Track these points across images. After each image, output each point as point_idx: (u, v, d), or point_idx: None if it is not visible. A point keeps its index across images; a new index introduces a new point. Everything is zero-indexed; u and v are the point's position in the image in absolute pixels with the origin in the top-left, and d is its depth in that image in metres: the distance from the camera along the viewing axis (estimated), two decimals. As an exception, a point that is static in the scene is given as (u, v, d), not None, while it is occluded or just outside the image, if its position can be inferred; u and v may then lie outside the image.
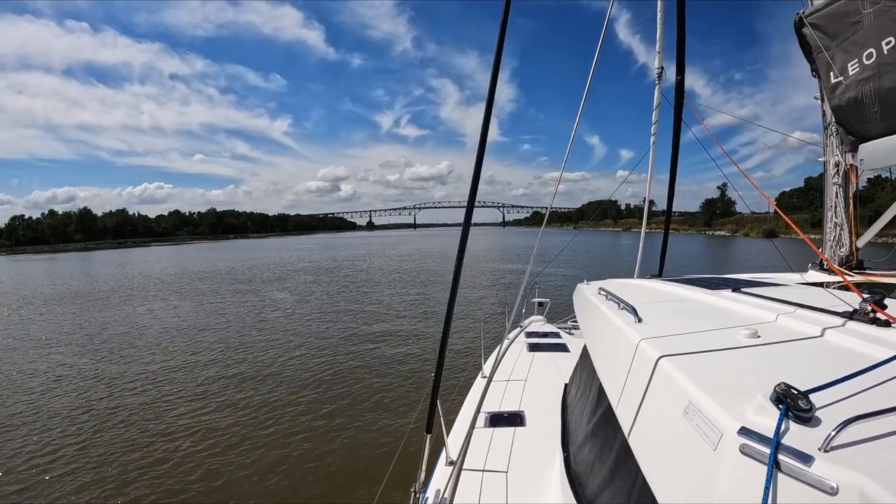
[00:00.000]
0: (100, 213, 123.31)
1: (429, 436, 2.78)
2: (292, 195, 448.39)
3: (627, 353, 1.44)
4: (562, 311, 7.24)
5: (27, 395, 7.93)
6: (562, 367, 3.95)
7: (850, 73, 2.68)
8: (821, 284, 2.49)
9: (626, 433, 1.29)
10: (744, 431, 0.85)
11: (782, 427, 0.81)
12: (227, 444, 5.86)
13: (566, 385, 3.27)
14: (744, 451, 0.83)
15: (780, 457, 0.77)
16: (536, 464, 2.58)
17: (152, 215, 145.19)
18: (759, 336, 1.34)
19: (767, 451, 0.78)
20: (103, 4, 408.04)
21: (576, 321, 6.09)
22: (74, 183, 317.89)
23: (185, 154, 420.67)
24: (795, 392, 0.87)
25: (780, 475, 0.76)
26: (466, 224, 2.74)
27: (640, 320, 1.67)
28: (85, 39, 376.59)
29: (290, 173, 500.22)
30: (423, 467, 2.63)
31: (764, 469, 0.77)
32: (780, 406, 0.86)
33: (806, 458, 0.75)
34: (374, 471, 4.85)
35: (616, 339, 1.67)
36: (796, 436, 0.81)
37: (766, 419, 0.85)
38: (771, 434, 0.80)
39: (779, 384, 0.89)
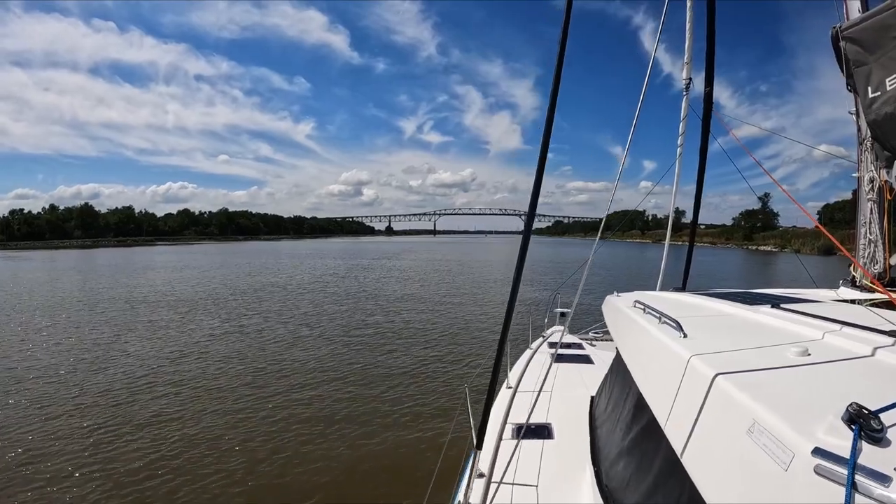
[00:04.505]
0: (103, 211, 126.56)
1: (478, 452, 2.66)
2: (315, 198, 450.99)
3: (676, 370, 1.49)
4: (582, 322, 7.35)
5: None
6: (586, 378, 4.09)
7: (888, 89, 2.77)
8: (853, 301, 2.59)
9: (678, 452, 1.35)
10: (818, 452, 0.88)
11: (856, 447, 0.85)
12: (255, 445, 6.18)
13: (592, 397, 3.39)
14: (818, 471, 0.85)
15: (857, 478, 0.80)
16: (567, 478, 2.66)
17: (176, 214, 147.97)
18: (809, 354, 1.39)
19: (844, 471, 0.81)
20: (130, 4, 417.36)
21: (598, 332, 6.23)
22: (99, 180, 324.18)
23: (208, 155, 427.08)
24: (867, 412, 0.90)
25: (857, 496, 0.79)
26: (527, 233, 2.88)
27: (685, 336, 1.71)
28: (111, 39, 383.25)
29: (313, 176, 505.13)
30: (466, 482, 2.62)
31: (841, 490, 0.80)
32: (853, 426, 0.89)
33: (883, 479, 0.78)
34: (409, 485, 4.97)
35: (662, 355, 1.72)
36: (870, 456, 0.84)
37: (839, 440, 0.89)
38: (845, 454, 0.84)
39: (851, 404, 0.93)
